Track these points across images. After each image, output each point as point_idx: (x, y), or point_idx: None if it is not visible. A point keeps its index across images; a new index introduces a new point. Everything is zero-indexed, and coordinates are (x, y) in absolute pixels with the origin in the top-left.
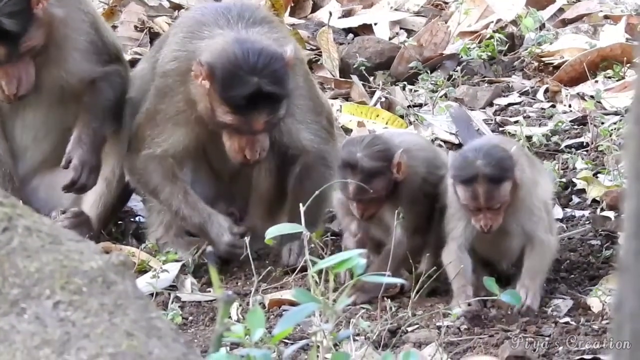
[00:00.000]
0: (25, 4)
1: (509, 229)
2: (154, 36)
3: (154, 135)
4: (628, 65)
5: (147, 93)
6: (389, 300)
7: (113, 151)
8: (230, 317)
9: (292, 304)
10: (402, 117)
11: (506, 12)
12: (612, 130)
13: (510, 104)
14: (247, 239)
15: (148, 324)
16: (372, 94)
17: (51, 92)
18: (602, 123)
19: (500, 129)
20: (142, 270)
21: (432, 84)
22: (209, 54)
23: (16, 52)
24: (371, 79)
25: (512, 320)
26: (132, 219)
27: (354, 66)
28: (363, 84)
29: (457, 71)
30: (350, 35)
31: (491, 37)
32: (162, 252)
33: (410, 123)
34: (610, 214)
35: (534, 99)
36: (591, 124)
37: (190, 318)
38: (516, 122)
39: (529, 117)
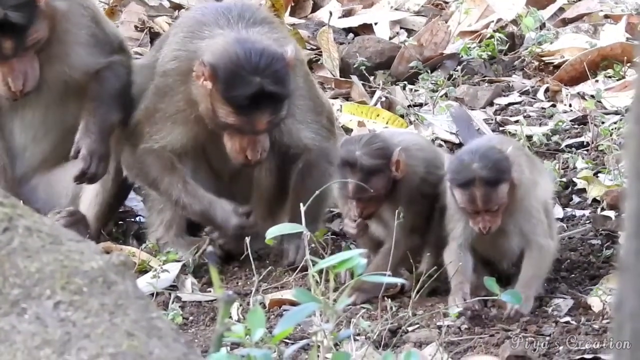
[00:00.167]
0: None
1: (507, 230)
2: (154, 36)
3: (152, 132)
4: (628, 64)
5: (145, 91)
6: (389, 300)
7: None
8: (230, 317)
9: (293, 303)
10: (402, 116)
11: (506, 12)
12: (612, 129)
13: (510, 104)
14: (247, 239)
15: (148, 324)
16: (372, 93)
17: (53, 89)
18: (603, 122)
19: (501, 128)
20: (143, 270)
21: (432, 83)
22: (211, 54)
23: (22, 46)
24: (371, 78)
25: (512, 319)
26: (133, 219)
27: (354, 66)
28: (363, 84)
29: (457, 71)
30: (351, 35)
31: (491, 36)
32: (163, 252)
33: (411, 123)
34: (611, 214)
35: (535, 99)
36: (591, 123)
37: (191, 318)
38: (516, 121)
39: (530, 116)
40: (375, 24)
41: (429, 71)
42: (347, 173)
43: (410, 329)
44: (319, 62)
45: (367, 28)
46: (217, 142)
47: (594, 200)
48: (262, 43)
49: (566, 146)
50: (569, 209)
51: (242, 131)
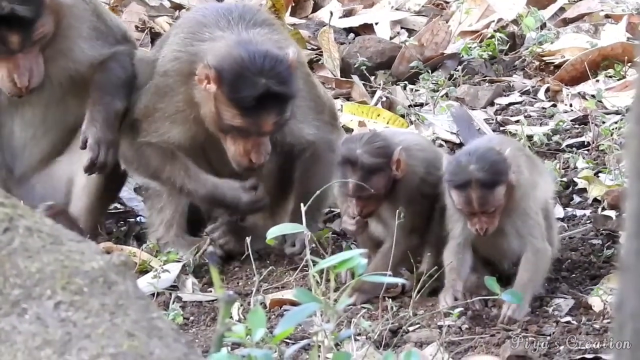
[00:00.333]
0: None
1: (506, 230)
2: (155, 36)
3: (151, 130)
4: (629, 64)
5: (143, 89)
6: (390, 300)
7: None
8: (231, 317)
9: (293, 303)
10: (403, 116)
11: (507, 12)
12: (613, 129)
13: (511, 104)
14: (248, 239)
15: (149, 324)
16: (373, 93)
17: (56, 86)
18: (603, 122)
19: (501, 128)
20: (143, 270)
21: (433, 83)
22: (214, 57)
23: (29, 41)
24: (372, 78)
25: (513, 319)
26: (133, 220)
27: (355, 66)
28: (364, 84)
29: (458, 71)
30: (351, 35)
31: (492, 36)
32: (163, 252)
33: (411, 123)
34: (612, 213)
35: (535, 99)
36: (592, 123)
37: (192, 318)
38: (517, 121)
39: (530, 116)
40: (376, 24)
41: (430, 71)
42: (347, 171)
43: (411, 328)
44: (319, 62)
45: (367, 28)
46: (216, 143)
47: (595, 200)
48: (264, 45)
49: (567, 146)
50: (569, 209)
51: (248, 133)
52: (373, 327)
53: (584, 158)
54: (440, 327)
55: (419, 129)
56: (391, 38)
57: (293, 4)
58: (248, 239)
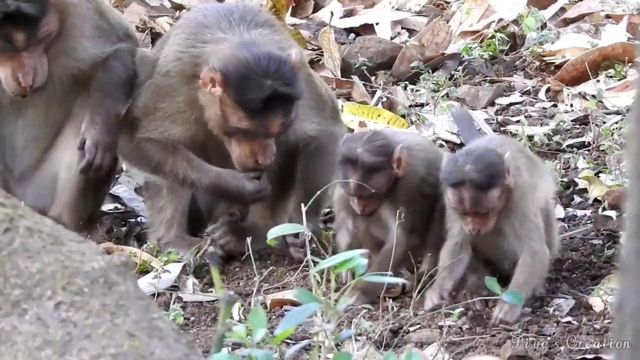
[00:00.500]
0: None
1: (505, 231)
2: (155, 36)
3: (150, 128)
4: (630, 64)
5: (143, 87)
6: (390, 300)
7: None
8: (232, 317)
9: (294, 304)
10: (403, 116)
11: (508, 12)
12: (613, 129)
13: (511, 104)
14: (248, 240)
15: (150, 325)
16: (373, 93)
17: (58, 86)
18: (604, 122)
19: (502, 128)
20: (144, 270)
21: (433, 83)
22: (218, 60)
23: (34, 39)
24: (372, 78)
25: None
26: (134, 220)
27: (356, 66)
28: (364, 84)
29: (458, 71)
30: (352, 35)
31: (493, 36)
32: (164, 253)
33: (412, 123)
34: (612, 214)
35: (536, 99)
36: (593, 123)
37: (192, 318)
38: (518, 121)
39: (531, 116)
40: (377, 24)
41: (430, 71)
42: (348, 170)
43: (411, 329)
44: (320, 62)
45: (368, 28)
46: (216, 143)
47: (595, 200)
48: (267, 46)
49: (567, 146)
50: (570, 209)
51: (255, 135)
52: (374, 327)
53: (584, 158)
54: (440, 327)
55: (420, 129)
56: (392, 38)
57: (294, 4)
58: (248, 239)
